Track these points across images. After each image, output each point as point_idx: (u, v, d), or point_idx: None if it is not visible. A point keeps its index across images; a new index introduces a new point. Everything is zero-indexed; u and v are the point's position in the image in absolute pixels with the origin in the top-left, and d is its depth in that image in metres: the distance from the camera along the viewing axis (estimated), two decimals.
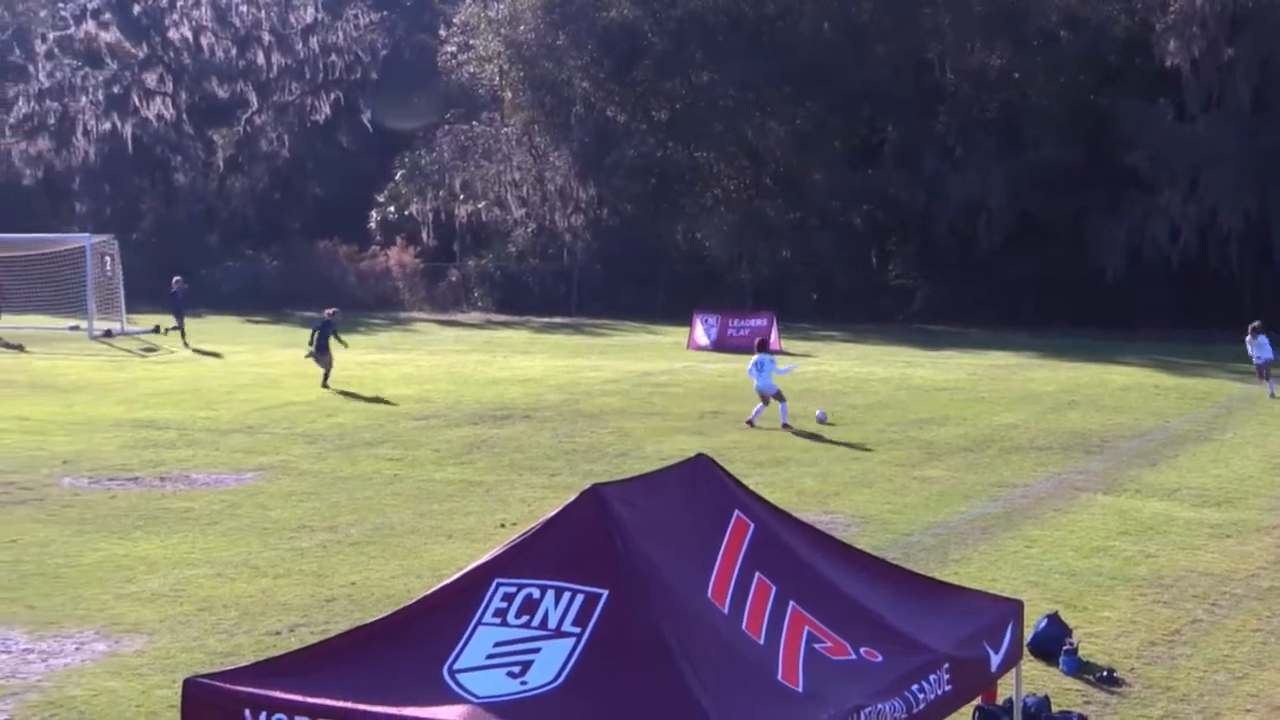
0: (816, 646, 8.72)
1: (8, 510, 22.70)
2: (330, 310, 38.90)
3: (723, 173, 64.54)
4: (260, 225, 69.42)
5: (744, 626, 8.59)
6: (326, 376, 36.98)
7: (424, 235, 65.86)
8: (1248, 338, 36.68)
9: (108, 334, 50.90)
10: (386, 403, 34.06)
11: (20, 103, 70.48)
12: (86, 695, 14.27)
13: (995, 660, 9.86)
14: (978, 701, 12.20)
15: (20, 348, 46.74)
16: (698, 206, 63.04)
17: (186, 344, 43.94)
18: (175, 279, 47.25)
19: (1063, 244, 54.63)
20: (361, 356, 44.11)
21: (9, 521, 21.88)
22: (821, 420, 30.47)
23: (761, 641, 8.56)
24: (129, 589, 18.00)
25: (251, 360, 43.55)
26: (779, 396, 30.43)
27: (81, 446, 28.31)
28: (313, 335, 37.67)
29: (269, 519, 22.02)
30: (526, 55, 63.72)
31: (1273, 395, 35.06)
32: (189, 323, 49.89)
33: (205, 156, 71.45)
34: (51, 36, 71.41)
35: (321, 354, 37.23)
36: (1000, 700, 12.62)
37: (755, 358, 30.98)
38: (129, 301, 54.20)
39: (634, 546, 8.41)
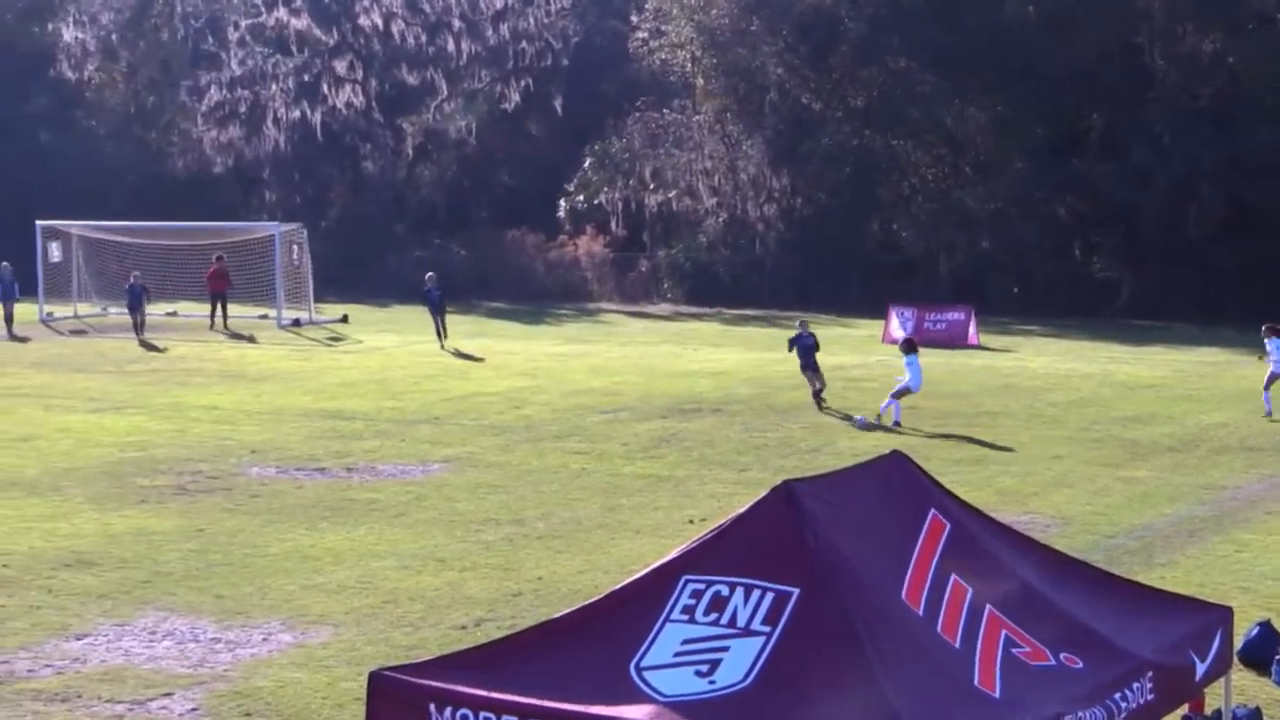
0: (1014, 651, 8.62)
1: (196, 499, 23.24)
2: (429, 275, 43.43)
3: (920, 161, 63.95)
4: (448, 214, 70.13)
5: (939, 629, 8.51)
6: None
7: (613, 225, 66.07)
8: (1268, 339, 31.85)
9: (296, 323, 51.81)
10: (572, 395, 34.30)
11: (212, 90, 71.86)
12: (273, 686, 14.56)
13: (1201, 669, 9.66)
14: (1184, 711, 11.97)
15: (251, 339, 47.71)
16: (894, 196, 62.55)
17: (444, 346, 43.44)
18: (429, 275, 47.06)
19: (1277, 235, 53.34)
20: (550, 348, 44.44)
21: (197, 510, 22.39)
22: (863, 425, 29.63)
23: (957, 645, 8.48)
24: (315, 580, 18.33)
25: (438, 350, 44.06)
26: (898, 395, 30.04)
27: (269, 436, 28.88)
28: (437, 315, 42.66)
29: (455, 511, 22.28)
30: (719, 41, 63.63)
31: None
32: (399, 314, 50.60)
33: (394, 144, 72.32)
34: (243, 24, 72.75)
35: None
36: (1208, 710, 12.38)
37: (908, 355, 30.47)
38: (317, 290, 55.11)
39: (826, 544, 8.37)
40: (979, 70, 59.17)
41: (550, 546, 20.02)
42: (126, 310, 48.06)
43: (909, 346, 30.76)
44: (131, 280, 48.26)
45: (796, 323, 34.83)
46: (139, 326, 47.25)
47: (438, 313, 44.73)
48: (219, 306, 50.72)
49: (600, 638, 8.50)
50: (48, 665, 15.16)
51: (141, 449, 27.51)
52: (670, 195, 64.82)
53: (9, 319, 47.94)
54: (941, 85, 60.18)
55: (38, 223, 56.36)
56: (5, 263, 48.83)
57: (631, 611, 8.56)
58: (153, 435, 29.10)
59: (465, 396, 34.24)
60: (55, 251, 56.46)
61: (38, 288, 55.04)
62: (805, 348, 32.44)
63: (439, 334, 44.90)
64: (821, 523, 8.46)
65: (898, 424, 29.52)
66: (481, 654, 8.80)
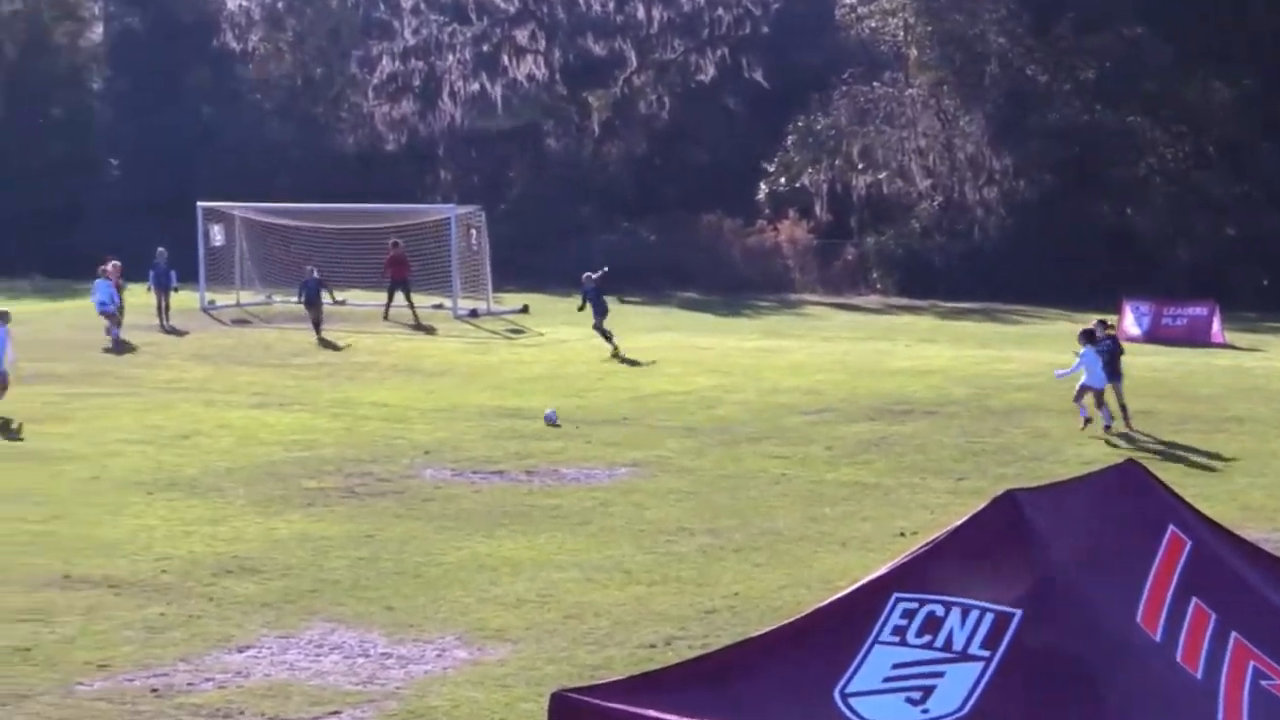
0: (1264, 684, 8.47)
1: (366, 503, 23.59)
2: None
3: (1157, 140, 62.96)
4: (637, 196, 70.37)
5: (1179, 658, 8.40)
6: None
7: (817, 208, 65.89)
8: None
9: (473, 314, 52.33)
10: (770, 394, 34.28)
11: (384, 62, 72.76)
12: (447, 706, 14.74)
13: None
14: None
15: (430, 330, 48.33)
16: (1128, 178, 61.65)
17: (616, 352, 41.85)
18: (590, 274, 47.00)
19: None
20: (746, 342, 44.45)
21: (368, 515, 22.73)
22: (1107, 423, 29.15)
23: (1199, 676, 8.35)
24: (493, 592, 18.51)
25: (625, 344, 44.23)
26: (1079, 397, 29.49)
27: (444, 435, 29.22)
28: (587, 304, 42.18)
29: (644, 520, 22.37)
30: (935, 8, 63.20)
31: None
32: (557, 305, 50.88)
33: (579, 120, 72.74)
34: None
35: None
36: None
37: (1085, 349, 29.76)
38: (495, 278, 55.56)
39: (1052, 562, 8.29)
40: (1223, 39, 58.12)
41: (747, 559, 20.03)
42: (303, 306, 47.49)
43: (1088, 337, 30.10)
44: (308, 274, 47.70)
45: (1094, 323, 31.34)
46: (317, 325, 46.41)
47: (601, 314, 42.78)
48: (398, 295, 51.16)
49: (801, 660, 8.49)
50: (208, 679, 15.48)
51: (307, 448, 27.99)
52: (880, 176, 64.52)
53: (165, 310, 48.67)
54: (1181, 56, 59.19)
55: (199, 204, 57.41)
56: (161, 249, 49.62)
57: (836, 632, 8.54)
58: (319, 434, 29.59)
59: (654, 395, 34.35)
60: (217, 235, 57.43)
61: (198, 274, 56.10)
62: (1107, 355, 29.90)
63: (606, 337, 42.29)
64: (1047, 538, 8.38)
65: (1089, 421, 29.10)
66: (672, 675, 8.83)
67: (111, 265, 45.83)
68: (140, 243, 55.07)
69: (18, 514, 22.74)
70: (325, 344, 44.00)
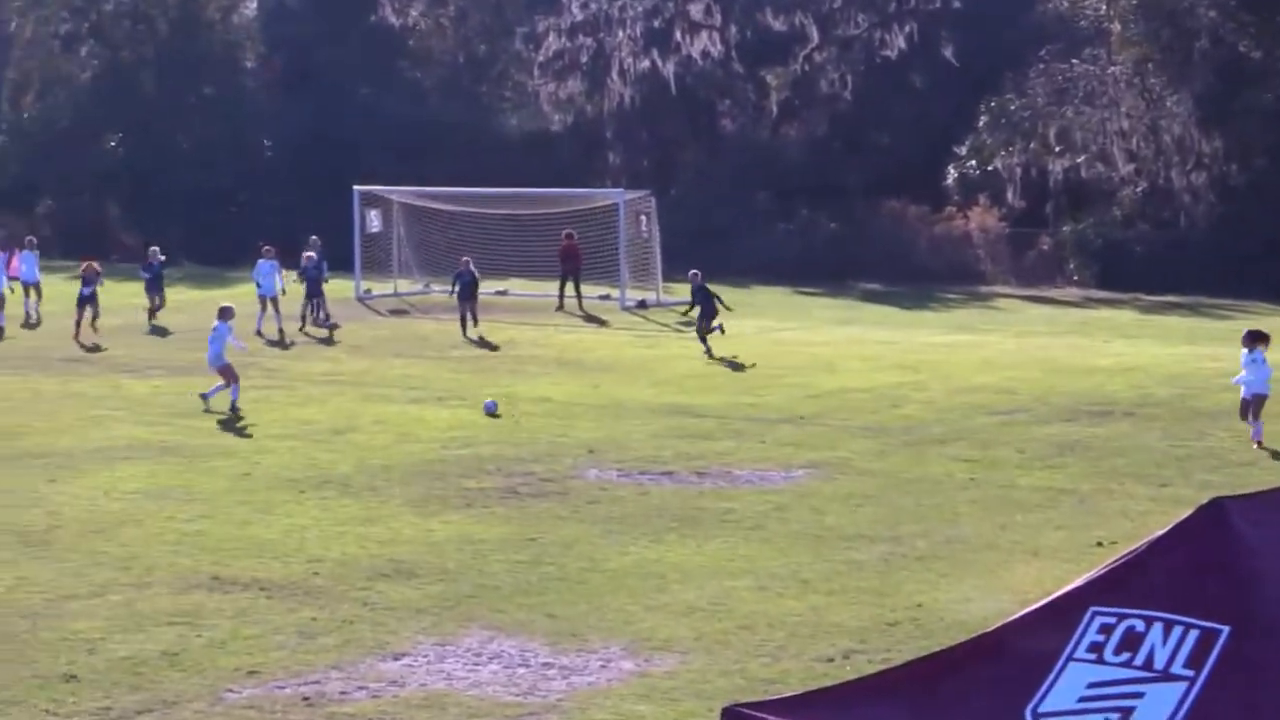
0: None
1: (528, 504, 23.72)
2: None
3: None
4: (817, 180, 70.11)
5: None
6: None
7: (1010, 194, 65.34)
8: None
9: (641, 305, 52.49)
10: (959, 393, 34.08)
11: (550, 38, 73.07)
12: None
13: None
14: None
15: (599, 322, 48.58)
16: None
17: (708, 350, 41.47)
18: (697, 271, 47.05)
19: None
20: (933, 337, 44.23)
21: (529, 517, 22.86)
22: None
23: None
24: (660, 600, 18.54)
25: (803, 339, 44.21)
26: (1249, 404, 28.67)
27: (609, 434, 29.32)
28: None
29: (822, 525, 22.32)
30: None
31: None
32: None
33: (756, 100, 72.62)
34: None
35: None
36: None
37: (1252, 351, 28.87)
38: (665, 267, 55.65)
39: (1264, 574, 8.17)
40: None
41: (931, 569, 19.92)
42: (455, 300, 46.71)
43: (1255, 339, 29.06)
44: (463, 265, 46.70)
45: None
46: (466, 322, 45.26)
47: (708, 317, 42.13)
48: (569, 286, 51.45)
49: (990, 677, 8.44)
50: (361, 687, 15.65)
51: (466, 446, 28.21)
52: (1079, 160, 63.84)
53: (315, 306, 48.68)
54: None
55: (355, 188, 58.02)
56: (315, 237, 49.90)
57: (1028, 648, 8.48)
58: (479, 430, 29.81)
59: (834, 392, 34.28)
60: (374, 220, 57.97)
61: (354, 261, 56.72)
62: None
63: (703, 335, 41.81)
64: (1258, 549, 8.27)
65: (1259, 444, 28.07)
66: (850, 691, 8.82)
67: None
68: (294, 229, 55.81)
69: (168, 511, 23.12)
70: (480, 343, 43.58)
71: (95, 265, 45.78)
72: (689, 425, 30.35)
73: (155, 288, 47.70)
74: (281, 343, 43.50)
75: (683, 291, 54.66)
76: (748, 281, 59.76)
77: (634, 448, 28.02)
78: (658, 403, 33.06)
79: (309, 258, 47.33)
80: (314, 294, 46.62)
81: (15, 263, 49.74)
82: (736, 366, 36.98)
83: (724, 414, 31.63)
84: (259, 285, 46.44)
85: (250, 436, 29.31)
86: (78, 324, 43.62)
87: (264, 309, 45.88)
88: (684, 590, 18.96)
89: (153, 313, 46.99)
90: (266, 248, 47.20)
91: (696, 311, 41.99)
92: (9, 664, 16.17)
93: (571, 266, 51.63)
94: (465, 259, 47.31)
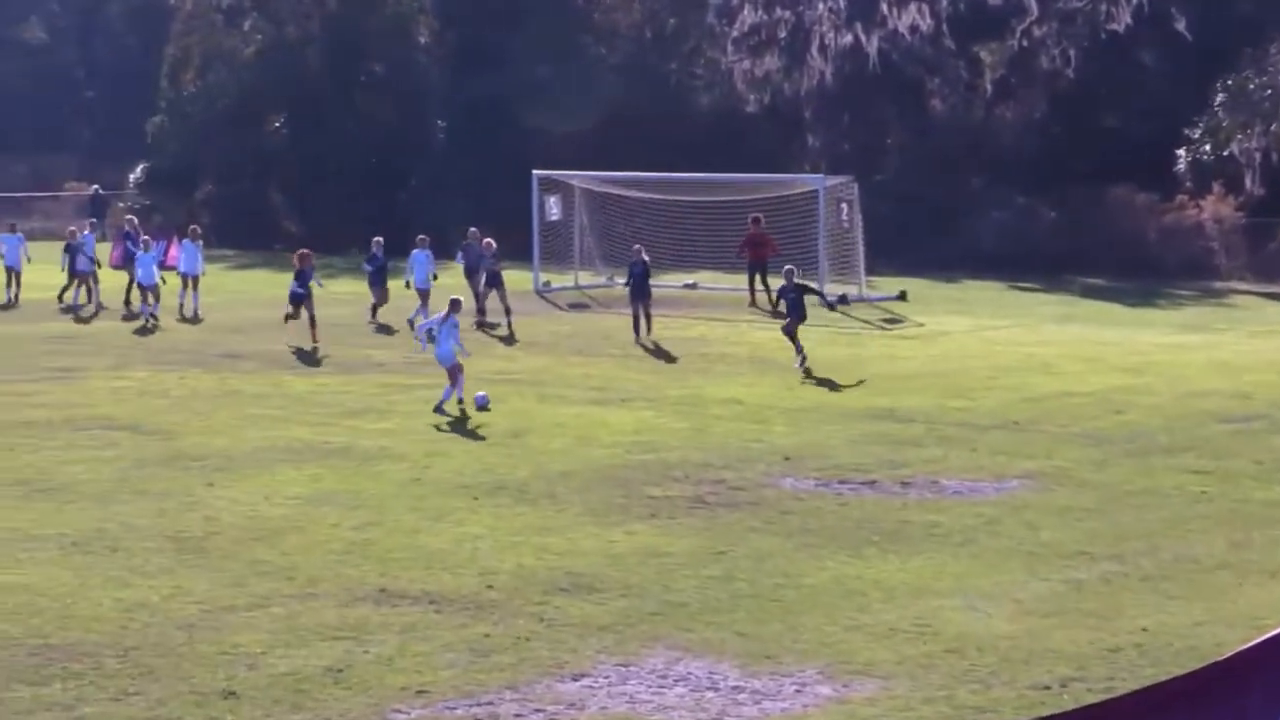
0: None
1: (718, 515, 23.74)
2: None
3: None
4: (1035, 166, 69.53)
5: None
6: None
7: (1248, 181, 64.41)
8: None
9: (843, 300, 52.30)
10: (1189, 398, 33.68)
11: (745, 12, 72.98)
12: None
13: None
14: None
15: (844, 302, 48.62)
16: None
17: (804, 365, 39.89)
18: (792, 268, 46.30)
19: None
20: (1161, 337, 43.75)
21: (719, 529, 22.87)
22: None
23: None
24: (860, 620, 18.48)
25: (1018, 338, 43.87)
26: None
27: (806, 439, 29.28)
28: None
29: (1037, 541, 22.15)
30: None
31: None
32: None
33: (969, 79, 72.09)
34: None
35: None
36: None
37: None
38: (868, 259, 55.45)
39: None
40: None
41: (1158, 590, 19.71)
42: (628, 292, 45.34)
43: None
44: (635, 254, 45.07)
45: None
46: (640, 324, 43.63)
47: (798, 318, 41.08)
48: (758, 278, 51.35)
49: (1224, 711, 8.35)
50: (538, 709, 15.72)
51: (651, 450, 28.28)
52: None
53: (485, 297, 48.26)
54: None
55: (534, 173, 58.28)
56: (474, 229, 49.75)
57: (1263, 678, 8.38)
58: (665, 434, 29.87)
59: (1051, 396, 34.01)
60: (553, 207, 58.15)
61: (532, 251, 56.99)
62: None
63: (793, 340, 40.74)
64: None
65: None
66: None
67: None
68: (468, 216, 56.15)
69: (332, 518, 23.38)
70: (653, 349, 41.94)
71: (309, 257, 44.76)
72: (893, 430, 30.23)
73: (379, 281, 47.40)
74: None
75: (887, 286, 54.58)
76: (958, 275, 59.48)
77: (833, 454, 27.95)
78: (859, 406, 32.95)
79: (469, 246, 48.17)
80: (493, 284, 46.51)
81: (174, 251, 50.40)
82: (834, 387, 36.43)
83: (931, 418, 31.47)
84: (412, 276, 46.62)
85: (421, 439, 29.55)
86: (289, 318, 43.39)
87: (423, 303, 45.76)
88: (886, 609, 18.89)
89: (375, 309, 46.83)
90: (421, 237, 47.51)
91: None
92: (165, 679, 16.43)
93: (759, 255, 51.46)
94: (637, 246, 45.93)
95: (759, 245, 51.48)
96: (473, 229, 49.75)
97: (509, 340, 43.60)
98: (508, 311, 45.48)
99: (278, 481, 25.80)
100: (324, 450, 28.39)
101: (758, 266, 51.48)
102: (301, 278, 43.39)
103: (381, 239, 48.39)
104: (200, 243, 50.94)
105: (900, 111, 72.06)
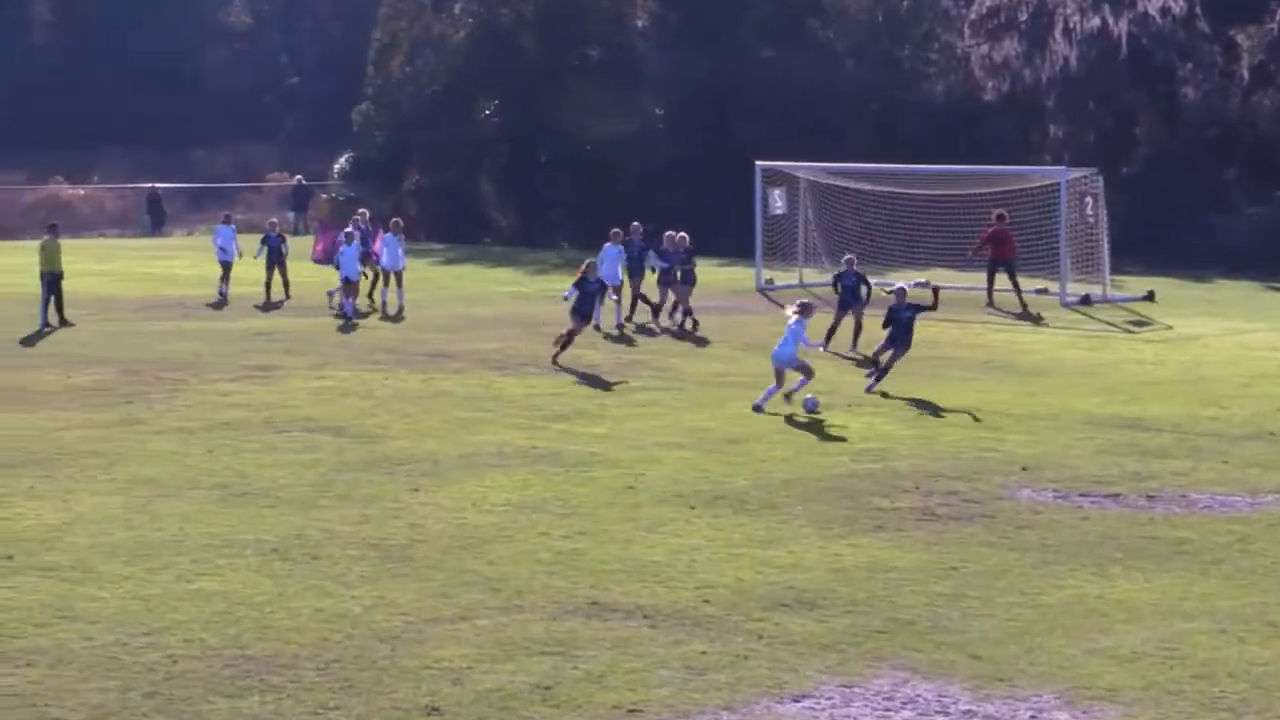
0: None
1: (950, 528, 23.63)
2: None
3: None
4: None
5: None
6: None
7: None
8: None
9: (1085, 300, 51.89)
10: None
11: None
12: None
13: None
14: None
15: (1037, 319, 48.27)
16: None
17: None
18: (850, 257, 44.72)
19: None
20: None
21: (951, 543, 22.77)
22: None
23: None
24: (1102, 642, 18.33)
25: (1275, 342, 43.27)
26: None
27: (1044, 449, 29.08)
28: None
29: None
30: None
31: None
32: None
33: (1224, 64, 71.21)
34: None
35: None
36: None
37: None
38: (1114, 258, 54.92)
39: None
40: None
41: None
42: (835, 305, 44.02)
43: None
44: (846, 264, 43.65)
45: None
46: (834, 330, 42.24)
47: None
48: (1002, 277, 50.90)
49: None
50: None
51: (878, 459, 28.22)
52: None
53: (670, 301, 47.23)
54: None
55: (758, 163, 58.25)
56: (637, 223, 49.26)
57: None
58: (893, 442, 29.79)
59: None
60: (778, 200, 58.08)
61: (754, 246, 56.98)
62: None
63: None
64: None
65: None
66: None
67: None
68: (689, 209, 56.23)
69: (541, 526, 23.52)
70: (874, 368, 37.68)
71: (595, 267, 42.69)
72: (1139, 440, 29.95)
73: (685, 280, 46.23)
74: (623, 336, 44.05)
75: (1134, 286, 54.06)
76: (1211, 274, 58.82)
77: (1074, 465, 27.75)
78: (1103, 414, 32.67)
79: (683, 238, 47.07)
80: (667, 281, 46.04)
81: (378, 245, 50.88)
82: (1076, 393, 36.17)
83: (1181, 428, 31.14)
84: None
85: (634, 445, 29.64)
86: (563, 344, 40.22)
87: (605, 298, 45.20)
88: (1130, 632, 18.72)
89: (667, 309, 46.20)
90: (614, 230, 47.13)
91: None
92: (367, 693, 16.61)
93: (1001, 253, 51.08)
94: (849, 256, 44.42)
95: (1001, 243, 51.03)
96: (635, 224, 48.97)
97: (701, 341, 43.51)
98: (688, 312, 45.45)
99: (485, 488, 26.00)
100: (534, 455, 28.57)
101: (1000, 264, 51.07)
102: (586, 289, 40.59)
103: (639, 224, 48.35)
104: (402, 236, 51.42)
105: (1149, 99, 71.31)
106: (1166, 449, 29.21)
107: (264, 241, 52.84)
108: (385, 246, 50.54)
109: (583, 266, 41.32)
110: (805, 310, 33.56)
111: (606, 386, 35.91)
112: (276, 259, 52.33)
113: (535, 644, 18.17)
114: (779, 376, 33.07)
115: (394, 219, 53.78)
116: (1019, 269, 51.64)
